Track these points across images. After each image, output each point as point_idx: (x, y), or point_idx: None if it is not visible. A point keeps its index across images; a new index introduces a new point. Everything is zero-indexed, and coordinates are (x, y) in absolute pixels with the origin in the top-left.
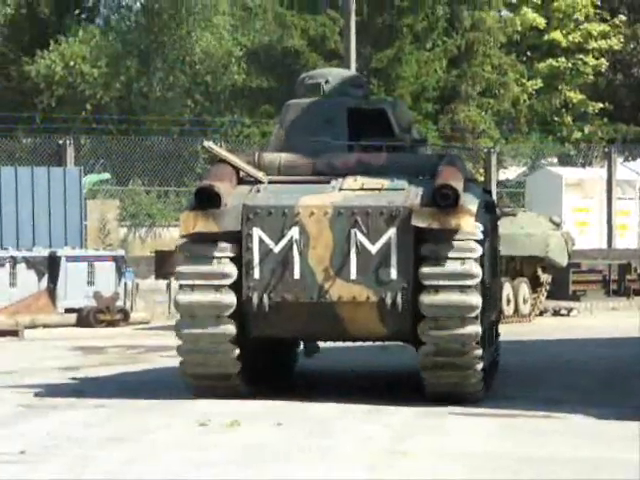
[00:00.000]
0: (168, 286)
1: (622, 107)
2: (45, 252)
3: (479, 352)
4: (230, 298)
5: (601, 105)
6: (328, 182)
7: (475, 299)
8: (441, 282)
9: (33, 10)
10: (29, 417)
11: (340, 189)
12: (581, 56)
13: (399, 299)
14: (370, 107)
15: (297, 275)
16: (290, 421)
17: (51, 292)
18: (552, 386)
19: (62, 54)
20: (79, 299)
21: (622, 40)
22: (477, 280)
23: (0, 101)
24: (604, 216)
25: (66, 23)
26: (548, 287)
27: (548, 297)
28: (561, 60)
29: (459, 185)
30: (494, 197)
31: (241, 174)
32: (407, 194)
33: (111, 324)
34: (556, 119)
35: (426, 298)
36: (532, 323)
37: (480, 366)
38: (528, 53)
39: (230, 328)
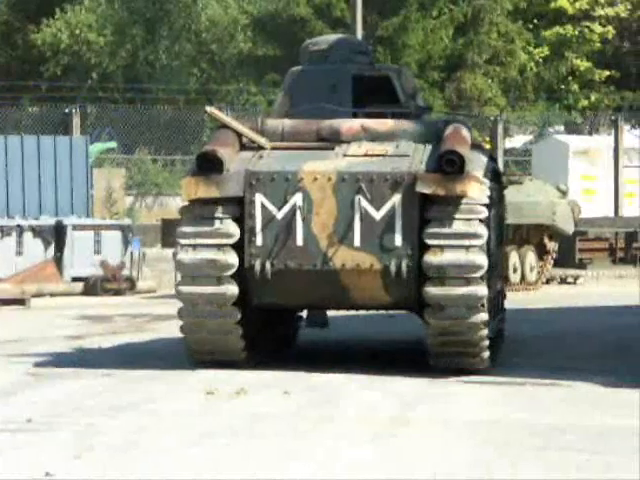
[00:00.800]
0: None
1: (629, 75)
2: (51, 221)
3: (485, 316)
4: (232, 258)
5: (608, 73)
6: (332, 148)
7: (480, 259)
8: (446, 242)
9: None
10: (35, 386)
11: (344, 155)
12: (588, 23)
13: (404, 266)
14: (375, 74)
15: (300, 242)
16: (297, 390)
17: (57, 261)
18: (558, 354)
19: (68, 22)
20: (86, 268)
21: (629, 7)
22: (482, 240)
23: (6, 70)
24: (611, 184)
25: None
26: (555, 255)
27: (555, 265)
28: (568, 27)
29: (465, 151)
30: (500, 165)
31: (244, 140)
32: (412, 160)
33: (118, 293)
34: (563, 87)
35: (431, 258)
36: (539, 291)
37: (485, 332)
38: (535, 21)
39: (232, 289)
